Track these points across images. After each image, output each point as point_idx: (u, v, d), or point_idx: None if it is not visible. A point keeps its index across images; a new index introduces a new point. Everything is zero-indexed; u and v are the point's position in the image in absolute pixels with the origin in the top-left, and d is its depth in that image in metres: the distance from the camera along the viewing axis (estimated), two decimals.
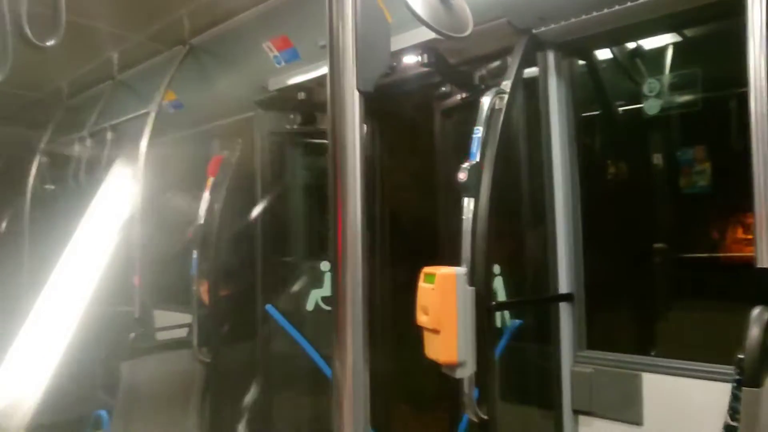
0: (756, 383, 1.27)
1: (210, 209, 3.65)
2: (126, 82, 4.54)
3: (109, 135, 4.22)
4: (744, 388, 1.28)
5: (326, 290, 3.36)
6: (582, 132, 2.80)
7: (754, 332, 1.29)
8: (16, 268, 5.35)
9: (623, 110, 3.10)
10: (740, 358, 1.30)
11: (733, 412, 1.32)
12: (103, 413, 3.51)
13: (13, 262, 5.52)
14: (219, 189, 3.68)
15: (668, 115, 2.97)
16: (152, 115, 3.71)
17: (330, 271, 3.25)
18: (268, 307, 3.49)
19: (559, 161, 2.70)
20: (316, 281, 3.46)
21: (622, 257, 2.98)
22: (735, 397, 1.31)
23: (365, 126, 0.94)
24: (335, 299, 0.84)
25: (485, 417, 2.20)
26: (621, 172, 3.28)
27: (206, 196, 3.68)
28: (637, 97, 2.88)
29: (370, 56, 0.88)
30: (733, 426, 1.33)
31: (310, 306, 3.44)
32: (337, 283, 0.85)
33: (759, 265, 1.78)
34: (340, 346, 0.84)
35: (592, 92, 2.99)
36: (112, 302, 5.30)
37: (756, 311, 1.33)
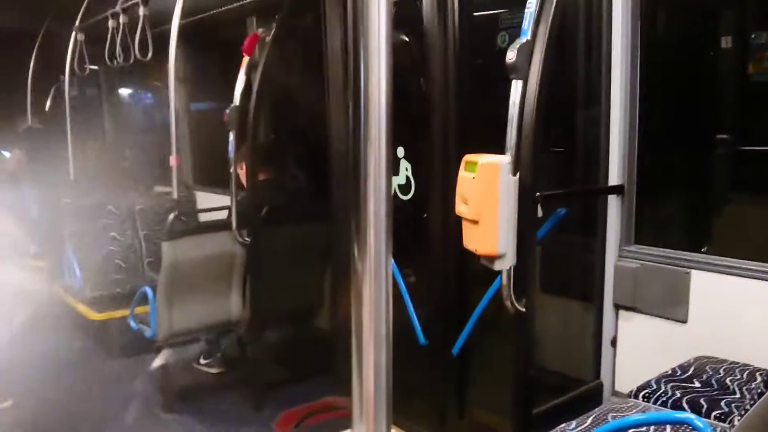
0: None
1: (246, 90, 3.53)
2: None
3: (141, 10, 4.05)
4: None
5: (401, 178, 3.22)
6: (646, 8, 2.52)
7: None
8: (61, 148, 5.43)
9: None
10: None
11: None
12: (148, 289, 3.61)
13: (57, 141, 5.60)
14: (255, 69, 3.53)
15: None
16: None
17: (404, 158, 3.09)
18: None
19: (619, 40, 2.47)
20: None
21: (681, 148, 2.79)
22: None
23: None
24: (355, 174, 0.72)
25: (523, 309, 2.15)
26: (686, 54, 3.00)
27: (241, 76, 3.54)
28: None
29: None
30: None
31: None
32: (358, 173, 0.73)
33: None
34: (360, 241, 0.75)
35: None
36: (151, 183, 5.39)
37: None
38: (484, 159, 2.07)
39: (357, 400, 0.73)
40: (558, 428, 1.74)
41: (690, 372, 2.01)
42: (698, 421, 1.31)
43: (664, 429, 1.59)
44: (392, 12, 0.81)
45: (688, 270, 2.29)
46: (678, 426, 1.47)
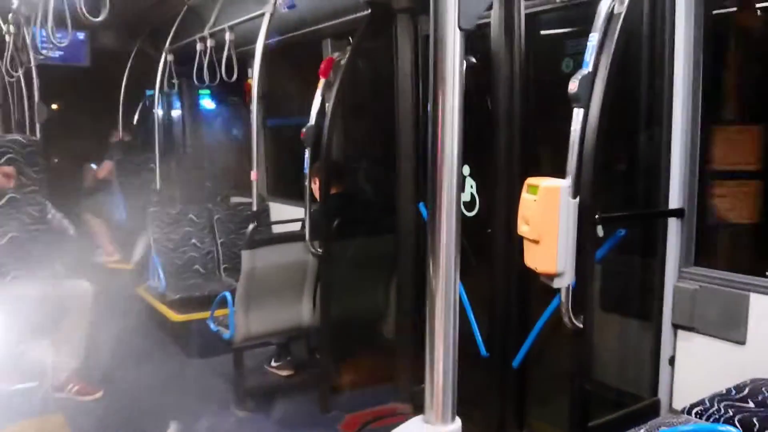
0: None
1: (321, 110, 3.75)
2: None
3: (227, 35, 4.36)
4: None
5: (466, 195, 3.37)
6: (711, 29, 2.57)
7: None
8: (147, 159, 5.83)
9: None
10: None
11: None
12: (228, 294, 3.86)
13: (144, 153, 6.02)
14: (329, 90, 3.75)
15: None
16: (267, 15, 3.78)
17: (469, 175, 3.25)
18: (421, 204, 3.54)
19: (681, 64, 2.52)
20: None
21: (743, 170, 2.81)
22: None
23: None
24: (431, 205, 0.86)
25: (581, 326, 2.25)
26: (754, 73, 3.00)
27: (317, 96, 3.77)
28: None
29: None
30: None
31: None
32: (433, 218, 0.89)
33: None
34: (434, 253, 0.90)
35: None
36: (228, 194, 5.71)
37: None
38: (545, 183, 2.20)
39: (429, 393, 0.89)
40: None
41: (745, 392, 2.07)
42: None
43: None
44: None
45: (747, 293, 2.33)
46: None
